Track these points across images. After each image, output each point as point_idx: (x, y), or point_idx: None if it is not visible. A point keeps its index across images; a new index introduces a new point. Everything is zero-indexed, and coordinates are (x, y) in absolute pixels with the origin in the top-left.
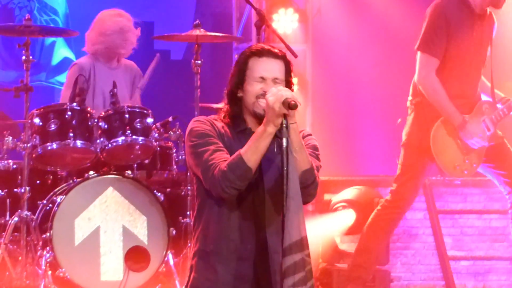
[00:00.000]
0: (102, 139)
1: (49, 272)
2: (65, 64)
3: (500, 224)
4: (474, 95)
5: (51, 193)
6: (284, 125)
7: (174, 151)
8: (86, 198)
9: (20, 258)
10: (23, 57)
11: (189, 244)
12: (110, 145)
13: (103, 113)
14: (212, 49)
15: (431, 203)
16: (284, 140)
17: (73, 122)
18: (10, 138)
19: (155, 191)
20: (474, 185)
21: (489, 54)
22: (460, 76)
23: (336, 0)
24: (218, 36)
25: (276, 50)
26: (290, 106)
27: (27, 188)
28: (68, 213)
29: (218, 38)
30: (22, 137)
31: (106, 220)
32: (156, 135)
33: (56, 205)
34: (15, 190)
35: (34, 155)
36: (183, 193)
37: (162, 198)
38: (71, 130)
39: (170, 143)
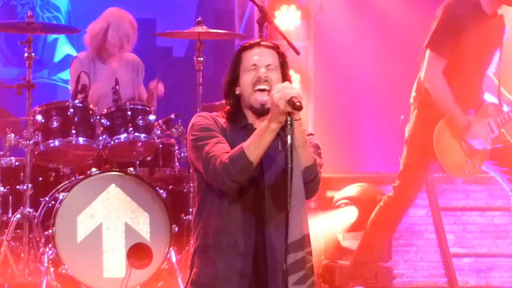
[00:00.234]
0: (104, 136)
1: (52, 269)
2: (67, 61)
3: (503, 221)
4: (479, 97)
5: (54, 190)
6: (288, 122)
7: (176, 148)
8: (88, 195)
9: (22, 255)
10: (25, 54)
11: (191, 241)
12: (112, 142)
13: (105, 110)
14: (214, 46)
15: (434, 200)
16: (289, 137)
17: (76, 119)
18: (13, 135)
19: (157, 188)
20: (477, 182)
21: (498, 57)
22: (466, 78)
23: None
24: (220, 33)
25: (267, 42)
26: (295, 107)
27: (30, 185)
28: (71, 210)
29: (220, 35)
30: (24, 134)
31: (108, 217)
32: (159, 132)
33: (58, 202)
34: (18, 187)
35: (36, 152)
36: (185, 190)
37: (164, 195)
38: (73, 127)
39: (172, 140)
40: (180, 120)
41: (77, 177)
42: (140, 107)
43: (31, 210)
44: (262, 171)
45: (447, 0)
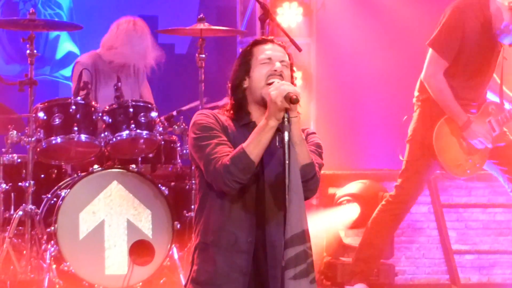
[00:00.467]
0: (106, 133)
1: (54, 266)
2: (69, 58)
3: (505, 218)
4: (481, 99)
5: (56, 187)
6: (285, 119)
7: (178, 145)
8: (90, 192)
9: (24, 252)
10: (28, 51)
11: (193, 238)
12: (114, 139)
13: (107, 107)
14: (216, 43)
15: (436, 197)
16: (286, 134)
17: (78, 116)
18: (15, 132)
19: (159, 185)
20: (479, 179)
21: (501, 57)
22: (468, 81)
23: None
24: (222, 30)
25: (279, 41)
26: (291, 100)
27: (32, 182)
28: (73, 207)
29: (222, 32)
30: (26, 131)
31: (110, 214)
32: (161, 129)
33: (60, 199)
34: (20, 184)
35: (38, 149)
36: (187, 187)
37: (166, 192)
38: (75, 124)
39: (174, 137)
40: (182, 117)
41: (79, 174)
42: (142, 104)
43: (33, 207)
44: (263, 169)
45: (457, 1)
